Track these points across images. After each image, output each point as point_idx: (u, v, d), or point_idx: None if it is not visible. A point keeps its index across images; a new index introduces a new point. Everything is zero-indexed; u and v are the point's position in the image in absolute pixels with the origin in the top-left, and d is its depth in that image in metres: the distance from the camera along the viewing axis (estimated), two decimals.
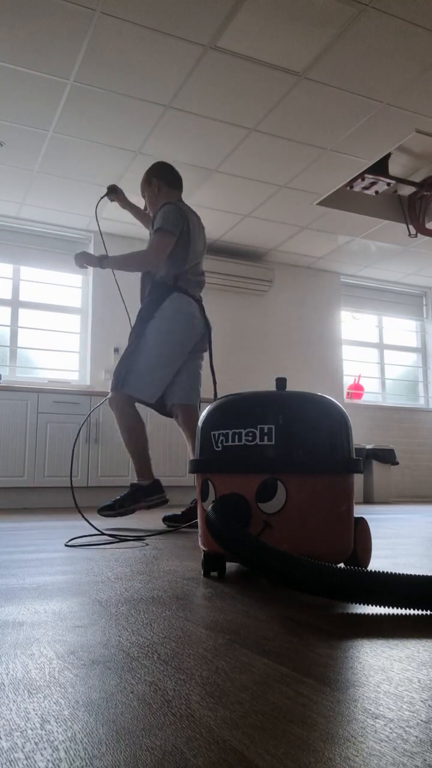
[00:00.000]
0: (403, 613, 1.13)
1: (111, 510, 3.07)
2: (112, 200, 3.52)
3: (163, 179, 3.27)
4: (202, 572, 1.54)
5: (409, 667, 0.81)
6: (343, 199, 5.44)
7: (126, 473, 5.20)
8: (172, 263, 3.11)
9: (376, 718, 0.63)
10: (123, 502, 3.09)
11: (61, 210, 5.48)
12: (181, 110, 4.00)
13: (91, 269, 5.92)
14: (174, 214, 3.03)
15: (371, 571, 1.11)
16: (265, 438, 1.43)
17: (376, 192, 5.49)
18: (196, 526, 2.95)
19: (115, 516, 3.08)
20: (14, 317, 5.73)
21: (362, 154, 4.54)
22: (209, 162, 4.64)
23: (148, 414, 5.38)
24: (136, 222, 5.68)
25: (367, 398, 7.18)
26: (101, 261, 3.13)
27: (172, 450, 5.40)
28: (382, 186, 5.35)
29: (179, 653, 0.86)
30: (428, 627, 1.03)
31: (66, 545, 2.20)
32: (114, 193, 3.46)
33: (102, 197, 3.53)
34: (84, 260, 3.18)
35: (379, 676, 0.77)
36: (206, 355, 3.25)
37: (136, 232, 5.94)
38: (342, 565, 1.56)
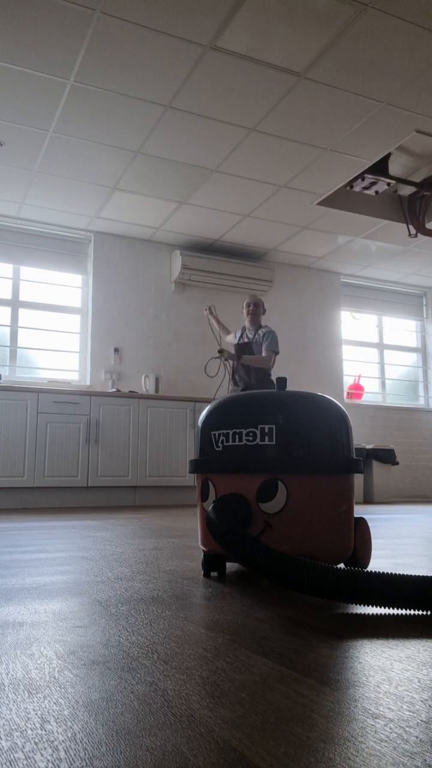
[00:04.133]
0: (403, 613, 1.13)
1: None
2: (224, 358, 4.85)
3: (265, 308, 5.02)
4: (202, 572, 1.54)
5: (409, 667, 0.81)
6: (343, 199, 5.44)
7: (126, 473, 5.20)
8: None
9: (376, 718, 0.63)
10: None
11: (61, 210, 5.48)
12: (181, 110, 4.00)
13: (90, 271, 5.93)
14: (277, 336, 4.79)
15: (370, 571, 1.11)
16: (266, 438, 1.43)
17: (376, 192, 5.49)
18: None
19: None
20: (14, 317, 5.73)
21: (362, 154, 4.54)
22: (209, 162, 4.64)
23: (148, 415, 5.38)
24: (135, 222, 5.68)
25: (367, 398, 7.18)
26: (238, 358, 4.77)
27: (172, 451, 5.40)
28: (382, 186, 5.35)
29: (179, 653, 0.86)
30: (428, 627, 1.03)
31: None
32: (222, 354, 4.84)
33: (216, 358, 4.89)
34: (228, 356, 4.78)
35: (379, 676, 0.77)
36: None
37: (135, 232, 5.95)
38: (342, 565, 1.56)
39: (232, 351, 4.91)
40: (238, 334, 4.98)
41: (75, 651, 0.87)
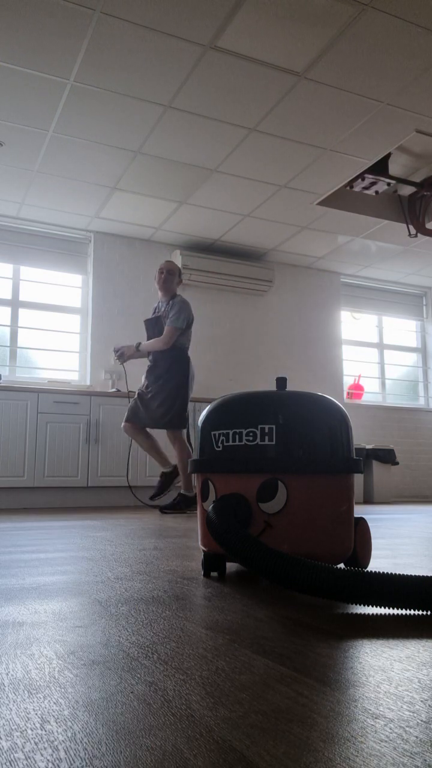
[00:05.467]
0: (404, 614, 1.13)
1: (174, 510, 4.29)
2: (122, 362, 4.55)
3: (176, 278, 4.52)
4: (202, 572, 1.54)
5: (409, 667, 0.81)
6: (343, 199, 5.44)
7: (126, 473, 5.20)
8: (185, 339, 4.43)
9: (376, 718, 0.63)
10: (178, 505, 4.28)
11: (61, 210, 5.48)
12: (181, 110, 4.00)
13: (90, 271, 5.92)
14: (186, 309, 4.37)
15: (370, 571, 1.11)
16: (266, 438, 1.43)
17: (376, 192, 5.49)
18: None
19: (175, 514, 4.24)
20: (14, 317, 5.73)
21: (362, 154, 4.54)
22: (209, 162, 4.64)
23: None
24: (135, 222, 5.68)
25: (367, 398, 7.18)
26: (139, 348, 4.43)
27: (173, 451, 5.40)
28: (382, 186, 5.35)
29: (179, 653, 0.86)
30: (428, 627, 1.03)
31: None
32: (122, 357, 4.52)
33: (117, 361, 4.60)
34: (125, 352, 4.46)
35: (379, 676, 0.77)
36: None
37: (135, 232, 5.95)
38: (342, 565, 1.56)
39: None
40: (154, 307, 4.63)
41: (75, 651, 0.87)
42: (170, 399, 4.30)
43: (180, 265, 5.97)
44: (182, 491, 4.35)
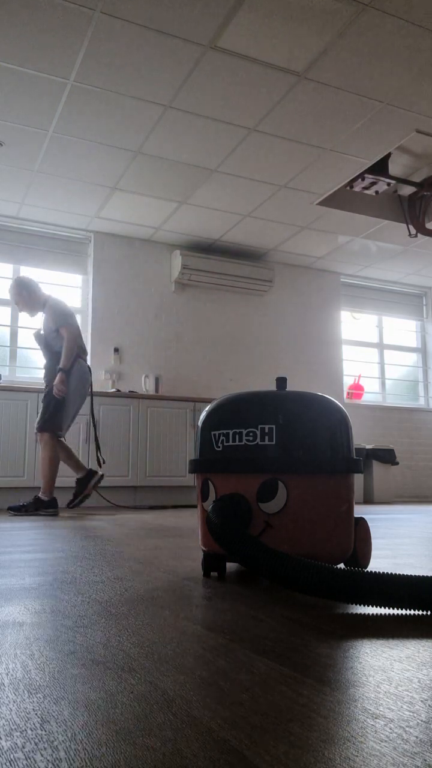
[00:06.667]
0: (403, 614, 1.13)
1: (20, 512, 4.03)
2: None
3: (31, 288, 4.18)
4: (202, 572, 1.54)
5: (409, 667, 0.81)
6: (343, 199, 5.44)
7: (126, 473, 5.20)
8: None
9: (376, 718, 0.63)
10: (28, 508, 4.05)
11: (61, 210, 5.48)
12: (181, 110, 4.00)
13: (90, 271, 5.92)
14: (64, 307, 4.20)
15: (370, 571, 1.11)
16: (266, 438, 1.43)
17: (376, 192, 5.49)
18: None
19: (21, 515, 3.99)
20: (14, 317, 5.73)
21: (362, 154, 4.54)
22: (209, 162, 4.64)
23: (148, 415, 5.38)
24: (135, 222, 5.68)
25: (367, 398, 7.18)
26: (63, 371, 4.09)
27: (172, 451, 5.40)
28: (382, 186, 5.35)
29: (179, 653, 0.86)
30: (428, 627, 1.03)
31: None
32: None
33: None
34: (60, 381, 4.12)
35: (379, 676, 0.77)
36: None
37: (134, 232, 5.95)
38: (342, 565, 1.56)
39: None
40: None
41: (75, 651, 0.87)
42: (44, 401, 4.12)
43: (180, 265, 5.98)
44: (39, 494, 4.09)
